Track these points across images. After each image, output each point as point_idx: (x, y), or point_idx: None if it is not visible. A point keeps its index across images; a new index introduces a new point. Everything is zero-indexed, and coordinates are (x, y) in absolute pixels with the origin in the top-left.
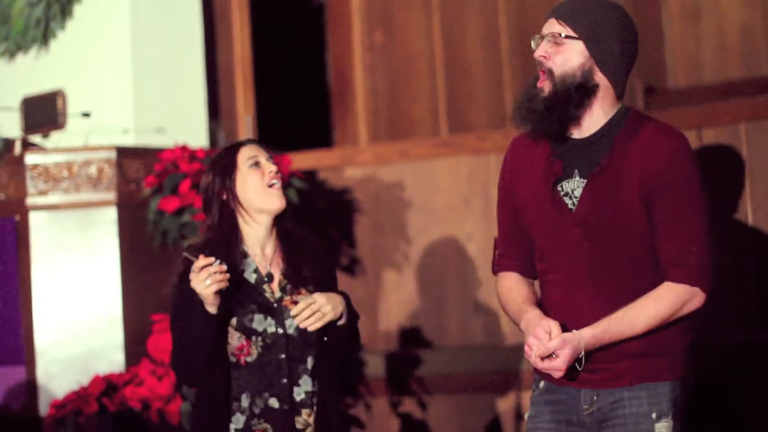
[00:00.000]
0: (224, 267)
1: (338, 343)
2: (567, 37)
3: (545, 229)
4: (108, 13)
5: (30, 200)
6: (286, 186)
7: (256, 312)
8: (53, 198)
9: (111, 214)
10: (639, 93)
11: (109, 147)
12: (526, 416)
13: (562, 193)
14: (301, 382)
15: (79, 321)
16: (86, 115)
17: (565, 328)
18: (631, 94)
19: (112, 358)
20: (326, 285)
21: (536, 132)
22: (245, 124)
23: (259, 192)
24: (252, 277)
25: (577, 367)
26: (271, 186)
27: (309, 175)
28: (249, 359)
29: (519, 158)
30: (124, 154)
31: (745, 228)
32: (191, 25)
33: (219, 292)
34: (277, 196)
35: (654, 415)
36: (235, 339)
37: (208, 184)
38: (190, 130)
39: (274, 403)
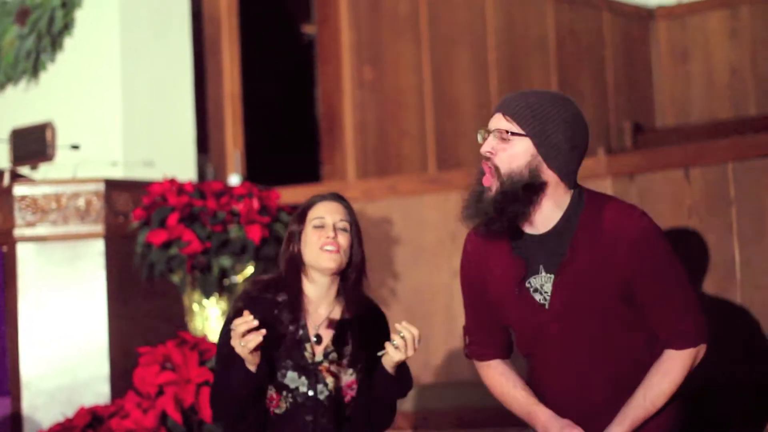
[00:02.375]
0: (256, 323)
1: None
2: (513, 134)
3: (522, 324)
4: (98, 46)
5: (18, 231)
6: (273, 221)
7: (290, 369)
8: (41, 229)
9: (99, 246)
10: (627, 132)
11: (98, 179)
12: None
13: (531, 290)
14: None
15: (66, 353)
16: (75, 147)
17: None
18: (619, 133)
19: (97, 390)
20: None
21: (489, 231)
22: (234, 159)
23: (314, 251)
24: (298, 333)
25: None
26: (322, 248)
27: None
28: (278, 411)
29: (480, 254)
30: (113, 186)
31: (732, 267)
32: (181, 59)
33: (260, 350)
34: (326, 258)
35: None
36: (268, 390)
37: (288, 229)
38: (179, 163)
39: None
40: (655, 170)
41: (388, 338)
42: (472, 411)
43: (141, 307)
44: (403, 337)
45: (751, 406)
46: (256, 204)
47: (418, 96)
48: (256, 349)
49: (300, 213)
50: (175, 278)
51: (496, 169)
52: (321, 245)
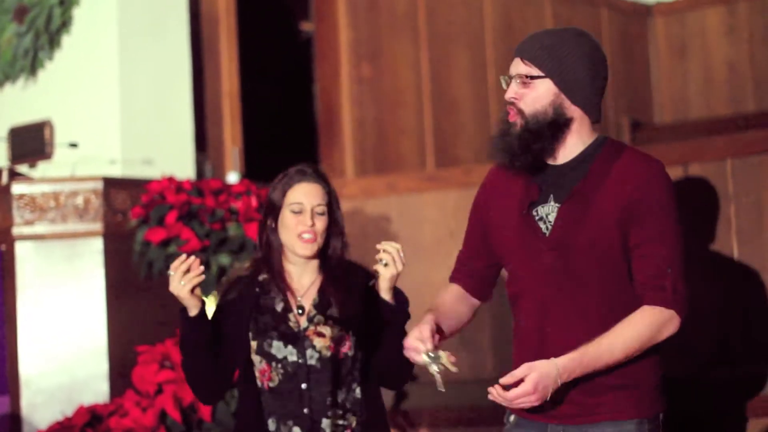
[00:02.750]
0: (197, 261)
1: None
2: (533, 77)
3: (518, 253)
4: (96, 44)
5: (16, 230)
6: None
7: (275, 338)
8: (39, 228)
9: (97, 244)
10: (626, 128)
11: (96, 177)
12: None
13: (537, 218)
14: (329, 414)
15: (65, 351)
16: (73, 145)
17: (535, 354)
18: (618, 129)
19: (96, 389)
20: (368, 315)
21: (513, 165)
22: (232, 156)
23: (290, 237)
24: (279, 305)
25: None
26: (299, 236)
27: None
28: (272, 384)
29: (496, 183)
30: (111, 184)
31: (731, 264)
32: (179, 57)
33: (204, 294)
34: (301, 247)
35: None
36: (258, 362)
37: (265, 202)
38: (177, 161)
39: (297, 431)
40: None
41: (368, 282)
42: (470, 409)
43: (140, 306)
44: (387, 252)
45: (741, 404)
46: (254, 202)
47: (416, 94)
48: (193, 290)
49: (279, 191)
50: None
51: (521, 112)
52: (299, 233)
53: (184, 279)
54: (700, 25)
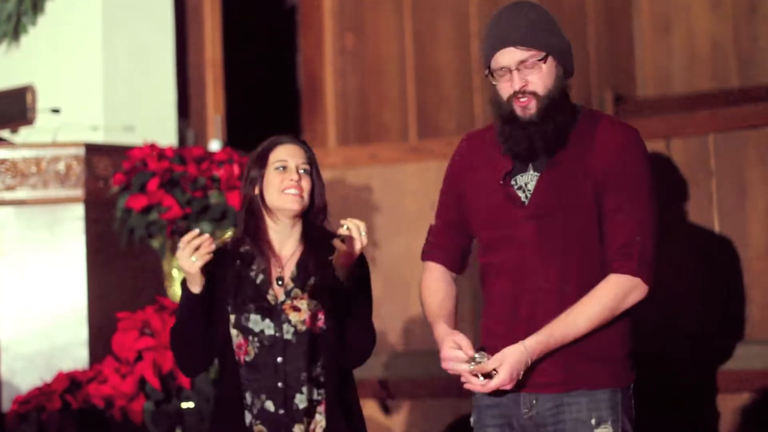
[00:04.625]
0: (210, 239)
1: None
2: (540, 60)
3: (495, 222)
4: (80, 9)
5: None
6: None
7: (252, 312)
8: (20, 193)
9: (78, 210)
10: (609, 102)
11: (78, 144)
12: (471, 420)
13: (515, 187)
14: (304, 389)
15: (44, 317)
16: (56, 111)
17: (509, 322)
18: (600, 102)
19: (76, 355)
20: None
21: (528, 157)
22: (215, 124)
23: (276, 194)
24: (258, 278)
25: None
26: (284, 191)
27: None
28: (247, 358)
29: (471, 153)
30: (93, 151)
31: (712, 238)
32: (163, 24)
33: (207, 273)
34: (290, 200)
35: (593, 422)
36: (235, 336)
37: (245, 172)
38: (160, 128)
39: (270, 406)
40: None
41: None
42: (451, 379)
43: (120, 273)
44: (348, 228)
45: (720, 378)
46: (236, 170)
47: (399, 64)
48: (203, 269)
49: (260, 156)
50: (155, 243)
51: (535, 95)
52: (284, 188)
53: (195, 254)
54: (685, 0)
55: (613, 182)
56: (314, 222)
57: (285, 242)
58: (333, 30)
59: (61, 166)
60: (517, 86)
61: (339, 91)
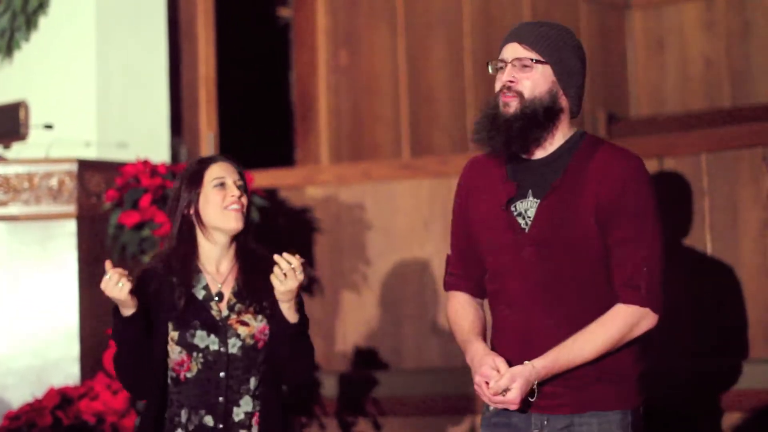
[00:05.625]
0: (124, 271)
1: (293, 345)
2: (537, 61)
3: (498, 249)
4: (73, 26)
5: None
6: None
7: (198, 328)
8: (13, 209)
9: (71, 227)
10: (602, 122)
11: (71, 159)
12: None
13: (515, 213)
14: (242, 402)
15: (36, 333)
16: (48, 127)
17: (517, 351)
18: (593, 122)
19: (67, 371)
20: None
21: (496, 151)
22: (207, 141)
23: (217, 212)
24: (200, 294)
25: (530, 398)
26: (227, 207)
27: (270, 194)
28: (189, 375)
29: (474, 179)
30: (86, 167)
31: (704, 258)
32: (156, 40)
33: (136, 295)
34: (233, 218)
35: None
36: (176, 353)
37: (175, 193)
38: (153, 145)
39: (209, 420)
40: None
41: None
42: (442, 398)
43: None
44: (285, 265)
45: (714, 397)
46: None
47: (392, 82)
48: (131, 292)
49: (193, 175)
50: (147, 260)
51: (519, 95)
52: (226, 205)
53: (121, 281)
54: (678, 20)
55: (618, 213)
56: (246, 239)
57: (221, 260)
58: (326, 48)
59: (53, 182)
60: (505, 78)
61: (332, 109)
